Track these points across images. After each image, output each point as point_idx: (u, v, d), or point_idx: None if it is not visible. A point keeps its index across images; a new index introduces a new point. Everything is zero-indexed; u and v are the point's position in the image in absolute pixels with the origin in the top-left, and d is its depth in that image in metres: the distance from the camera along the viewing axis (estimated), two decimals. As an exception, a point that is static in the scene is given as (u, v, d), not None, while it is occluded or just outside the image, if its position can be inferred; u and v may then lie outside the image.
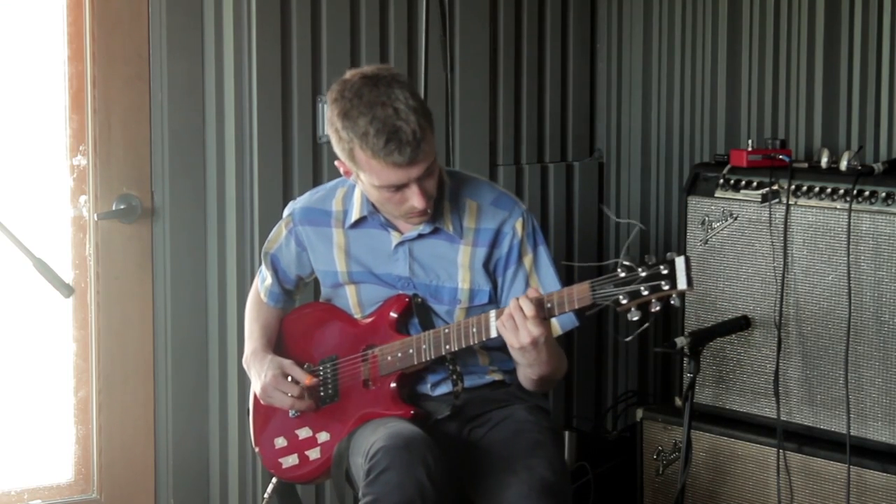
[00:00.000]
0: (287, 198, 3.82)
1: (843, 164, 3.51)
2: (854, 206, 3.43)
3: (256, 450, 3.19)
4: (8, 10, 3.58)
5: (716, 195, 3.70)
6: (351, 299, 3.08)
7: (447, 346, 2.89)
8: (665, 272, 2.65)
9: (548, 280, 2.99)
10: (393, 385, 2.96)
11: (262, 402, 3.10)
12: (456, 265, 2.98)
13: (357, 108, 2.79)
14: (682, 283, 2.64)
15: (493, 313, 2.83)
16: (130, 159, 3.73)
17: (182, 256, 3.80)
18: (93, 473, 3.78)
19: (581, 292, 2.73)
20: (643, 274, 2.66)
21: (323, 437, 3.05)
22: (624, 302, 2.67)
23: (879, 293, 3.42)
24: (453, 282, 2.98)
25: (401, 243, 2.99)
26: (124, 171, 3.72)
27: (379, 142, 2.75)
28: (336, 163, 2.92)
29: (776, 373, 3.57)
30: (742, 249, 3.66)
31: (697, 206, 3.74)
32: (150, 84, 3.73)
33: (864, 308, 3.44)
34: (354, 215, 3.02)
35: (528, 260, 2.99)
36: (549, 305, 2.75)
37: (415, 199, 2.83)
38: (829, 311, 3.50)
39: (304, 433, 3.08)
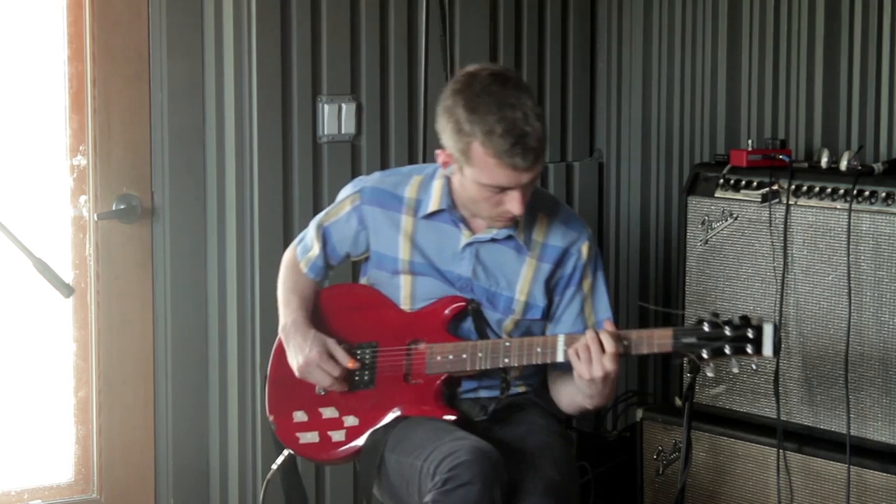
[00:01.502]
0: (287, 198, 3.83)
1: (843, 164, 3.51)
2: (854, 206, 3.43)
3: (270, 418, 3.10)
4: (8, 10, 3.57)
5: (716, 195, 3.70)
6: (404, 289, 3.03)
7: (506, 360, 2.89)
8: (751, 336, 2.71)
9: (601, 307, 3.01)
10: (438, 384, 2.95)
11: (297, 375, 3.02)
12: (518, 275, 2.97)
13: (486, 105, 2.77)
14: (767, 350, 2.71)
15: (561, 337, 2.84)
16: (130, 159, 3.73)
17: (182, 256, 3.80)
18: (93, 473, 3.78)
19: (662, 337, 2.76)
20: (729, 333, 2.72)
21: (350, 420, 3.01)
22: (705, 357, 2.72)
23: (879, 293, 3.42)
24: (511, 291, 2.97)
25: (470, 244, 2.97)
26: (124, 171, 3.72)
27: (504, 143, 2.74)
28: (438, 151, 2.88)
29: (776, 373, 3.57)
30: (742, 249, 3.66)
31: (697, 206, 3.74)
32: (150, 84, 3.73)
33: (864, 308, 3.44)
34: (431, 207, 2.99)
35: (587, 284, 3.00)
36: (626, 343, 2.77)
37: (513, 204, 2.82)
38: (829, 311, 3.51)
39: (328, 413, 3.03)
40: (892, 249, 3.39)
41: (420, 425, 2.92)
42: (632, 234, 4.44)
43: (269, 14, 3.76)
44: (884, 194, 3.40)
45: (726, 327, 2.72)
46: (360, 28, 3.94)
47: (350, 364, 2.98)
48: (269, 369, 3.14)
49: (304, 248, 3.15)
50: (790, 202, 3.55)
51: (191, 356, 3.84)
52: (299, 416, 3.06)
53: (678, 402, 3.71)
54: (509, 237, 2.96)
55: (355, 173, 3.95)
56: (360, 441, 2.99)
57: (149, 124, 3.74)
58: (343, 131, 3.92)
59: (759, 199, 3.60)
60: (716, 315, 2.75)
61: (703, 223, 3.73)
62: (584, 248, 2.99)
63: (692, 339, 2.74)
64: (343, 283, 3.20)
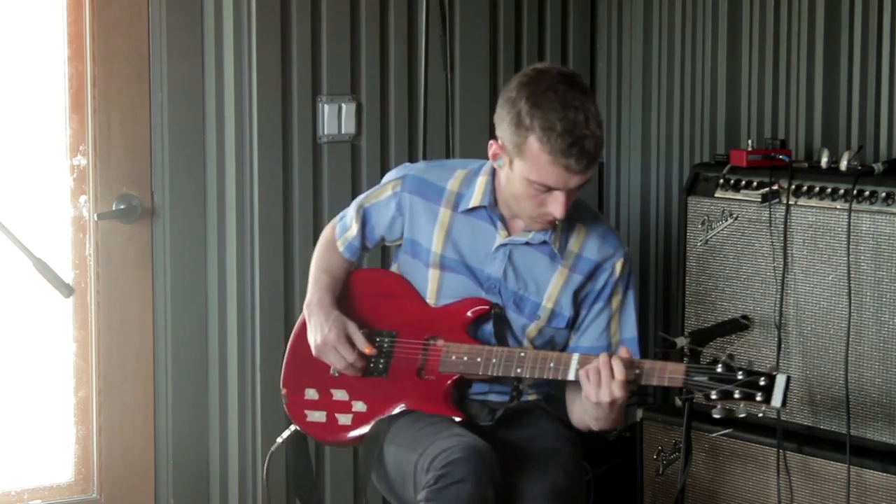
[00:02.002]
0: (287, 198, 3.83)
1: (843, 164, 3.51)
2: (854, 206, 3.43)
3: (283, 391, 3.13)
4: (8, 10, 3.57)
5: (716, 195, 3.70)
6: (431, 283, 3.02)
7: (518, 370, 2.88)
8: (763, 384, 2.70)
9: (627, 326, 2.99)
10: (449, 384, 2.95)
11: (314, 353, 3.04)
12: (549, 282, 2.96)
13: (551, 101, 2.76)
14: (776, 401, 2.71)
15: (575, 357, 2.83)
16: (130, 159, 3.73)
17: (182, 256, 3.80)
18: (93, 473, 3.78)
19: (674, 371, 2.76)
20: (741, 378, 2.71)
21: (359, 406, 3.02)
22: (714, 398, 2.72)
23: (879, 293, 3.42)
24: (539, 297, 2.96)
25: (504, 244, 2.97)
26: (124, 171, 3.72)
27: (562, 142, 2.74)
28: (491, 142, 2.88)
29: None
30: (742, 249, 3.66)
31: (697, 206, 3.74)
32: (150, 84, 3.73)
33: (864, 308, 3.44)
34: (473, 202, 2.98)
35: (616, 301, 2.98)
36: (637, 371, 2.77)
37: (556, 206, 2.82)
38: (829, 311, 3.50)
39: (339, 395, 3.05)
40: (892, 249, 3.39)
41: (422, 420, 2.93)
42: (632, 234, 4.44)
43: (269, 14, 3.76)
44: (884, 194, 3.40)
45: (739, 372, 2.71)
46: (360, 28, 3.94)
47: (367, 350, 3.00)
48: (289, 343, 3.16)
49: (343, 227, 3.17)
50: (790, 202, 3.55)
51: (191, 356, 3.84)
52: (311, 393, 3.08)
53: (678, 402, 3.71)
54: (544, 243, 2.95)
55: (355, 173, 3.96)
56: (365, 428, 3.00)
57: (149, 124, 3.74)
58: (343, 131, 3.92)
59: (759, 199, 3.60)
60: (731, 358, 2.75)
61: (703, 223, 3.73)
62: (619, 265, 2.97)
63: (703, 378, 2.74)
64: (376, 269, 3.21)
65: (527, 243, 2.96)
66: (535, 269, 2.97)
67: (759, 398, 2.70)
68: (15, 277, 3.54)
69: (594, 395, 2.75)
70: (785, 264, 3.56)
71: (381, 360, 3.02)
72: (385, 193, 3.10)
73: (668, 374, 2.76)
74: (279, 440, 3.22)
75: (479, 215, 2.99)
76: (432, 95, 3.78)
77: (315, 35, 3.86)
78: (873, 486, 3.41)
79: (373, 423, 2.99)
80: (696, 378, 2.75)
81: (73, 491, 3.77)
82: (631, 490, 3.88)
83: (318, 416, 3.07)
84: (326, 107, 3.88)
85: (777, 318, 3.57)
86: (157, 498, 3.85)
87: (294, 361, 3.14)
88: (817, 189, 3.52)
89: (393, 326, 3.05)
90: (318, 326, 3.02)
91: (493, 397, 3.01)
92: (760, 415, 2.73)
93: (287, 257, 3.84)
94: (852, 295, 3.44)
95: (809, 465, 3.53)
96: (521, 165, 2.81)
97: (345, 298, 3.12)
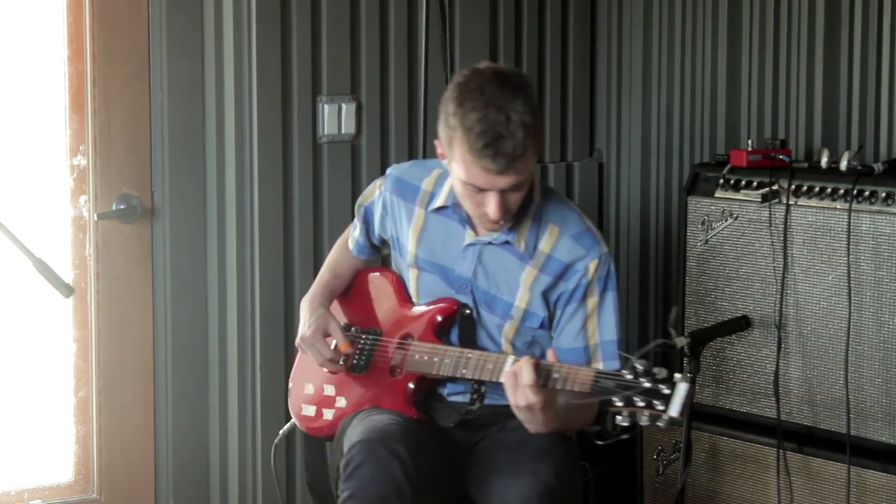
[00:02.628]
0: (287, 198, 3.83)
1: (843, 164, 3.51)
2: (854, 206, 3.43)
3: (290, 385, 3.22)
4: (8, 10, 3.57)
5: (716, 195, 3.70)
6: (412, 283, 3.08)
7: (464, 371, 2.89)
8: (665, 392, 2.58)
9: (606, 329, 2.94)
10: (411, 385, 2.98)
11: (297, 347, 3.14)
12: (518, 282, 2.95)
13: (473, 101, 2.76)
14: (674, 410, 2.56)
15: (510, 359, 2.82)
16: (130, 159, 3.73)
17: (182, 256, 3.80)
18: (93, 473, 3.78)
19: (584, 377, 2.69)
20: (645, 385, 2.60)
21: (341, 401, 3.09)
22: (618, 404, 2.62)
23: (879, 293, 3.42)
24: (511, 297, 2.96)
25: (472, 244, 2.98)
26: (124, 171, 3.72)
27: (478, 142, 2.73)
28: (436, 142, 2.90)
29: (776, 373, 3.57)
30: (742, 249, 3.66)
31: (697, 206, 3.74)
32: (150, 84, 3.73)
33: (864, 308, 3.44)
34: (439, 201, 3.01)
35: (591, 302, 2.95)
36: (555, 376, 2.72)
37: (491, 207, 2.81)
38: (829, 311, 3.51)
39: (329, 390, 3.12)
40: (892, 249, 3.39)
41: (368, 415, 2.97)
42: (632, 234, 4.44)
43: (269, 14, 3.76)
44: (884, 194, 3.40)
45: (644, 379, 2.60)
46: (360, 28, 3.94)
47: (343, 347, 3.05)
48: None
49: (354, 226, 3.25)
50: (790, 202, 3.55)
51: (191, 356, 3.84)
52: (308, 388, 3.16)
53: (661, 426, 3.70)
54: (506, 243, 2.95)
55: (355, 173, 3.96)
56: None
57: (149, 124, 3.74)
58: (343, 131, 3.92)
59: (759, 199, 3.60)
60: (643, 364, 2.62)
61: (703, 223, 3.73)
62: (592, 266, 2.93)
63: (610, 385, 2.64)
64: (379, 268, 3.24)
65: (490, 243, 2.96)
66: (505, 269, 2.97)
67: (659, 406, 2.57)
68: (15, 277, 3.54)
69: (511, 398, 2.73)
70: (785, 264, 3.56)
71: (364, 357, 3.08)
72: (374, 193, 3.17)
73: (580, 378, 2.69)
74: (281, 433, 3.33)
75: (448, 215, 3.01)
76: (432, 95, 3.78)
77: (315, 35, 3.86)
78: (873, 486, 3.41)
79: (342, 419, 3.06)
80: (603, 384, 2.65)
81: (73, 491, 3.77)
82: (631, 490, 3.88)
83: (309, 410, 3.15)
84: (326, 107, 3.88)
85: (777, 318, 3.57)
86: (157, 498, 3.85)
87: (303, 357, 3.21)
88: (817, 189, 3.52)
89: (378, 325, 3.11)
90: (303, 322, 3.11)
91: (459, 399, 3.02)
92: (660, 424, 2.57)
93: (287, 257, 3.84)
94: (852, 295, 3.44)
95: (809, 465, 3.53)
96: (455, 166, 2.82)
97: (348, 295, 3.21)
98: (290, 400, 3.21)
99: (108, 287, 3.72)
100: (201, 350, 3.85)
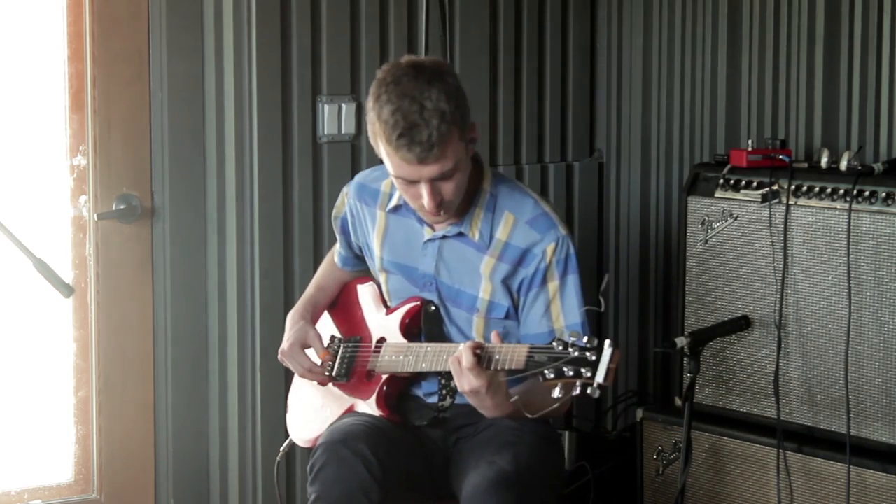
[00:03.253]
0: (287, 198, 3.83)
1: (843, 164, 3.51)
2: (854, 206, 3.43)
3: (288, 406, 3.28)
4: (8, 10, 3.57)
5: (716, 195, 3.70)
6: (383, 287, 3.10)
7: (423, 365, 2.90)
8: (592, 359, 2.55)
9: (570, 312, 2.92)
10: (384, 387, 3.00)
11: (280, 362, 3.16)
12: (479, 274, 2.95)
13: (388, 95, 2.77)
14: (599, 376, 2.54)
15: (461, 346, 2.77)
16: (130, 159, 3.73)
17: (182, 256, 3.80)
18: (93, 473, 3.78)
19: (519, 354, 2.66)
20: (573, 355, 2.56)
21: (326, 412, 3.10)
22: (550, 377, 2.58)
23: (879, 293, 3.42)
24: (475, 290, 2.96)
25: (431, 240, 2.98)
26: (124, 171, 3.72)
27: (393, 134, 2.74)
28: (372, 141, 2.91)
29: (776, 373, 3.57)
30: (742, 249, 3.66)
31: (697, 206, 3.74)
32: (150, 84, 3.73)
33: (864, 308, 3.44)
34: (395, 200, 3.03)
35: (552, 286, 2.92)
36: (497, 357, 2.69)
37: (424, 198, 2.82)
38: (829, 311, 3.50)
39: (316, 401, 3.15)
40: (892, 249, 3.39)
41: (344, 420, 2.99)
42: (632, 234, 4.44)
43: (269, 14, 3.76)
44: (884, 194, 3.40)
45: (572, 349, 2.57)
46: (360, 28, 3.94)
47: (321, 356, 3.08)
48: None
49: (338, 241, 3.28)
50: (790, 202, 3.55)
51: (191, 356, 3.84)
52: (300, 405, 3.22)
53: (678, 402, 3.71)
54: (460, 234, 2.95)
55: (355, 173, 3.93)
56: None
57: (149, 124, 3.74)
58: (343, 131, 3.92)
59: (759, 199, 3.60)
60: (574, 336, 2.59)
61: (703, 223, 3.73)
62: (549, 249, 2.91)
63: (543, 359, 2.61)
64: (364, 277, 3.25)
65: (444, 236, 2.97)
66: (465, 262, 2.97)
67: (586, 374, 2.54)
68: (15, 277, 3.54)
69: (458, 384, 2.73)
70: (785, 264, 3.56)
71: (344, 366, 3.09)
72: (344, 203, 3.20)
73: (515, 356, 2.66)
74: (282, 449, 3.35)
75: (405, 214, 3.02)
76: (432, 95, 3.78)
77: (315, 35, 3.86)
78: (873, 486, 3.41)
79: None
80: (535, 358, 2.62)
81: (73, 491, 3.77)
82: (631, 490, 3.88)
83: (299, 423, 3.20)
84: (326, 107, 3.88)
85: (777, 318, 3.57)
86: (157, 498, 3.85)
87: (296, 378, 3.25)
88: (817, 189, 3.52)
89: (358, 332, 3.13)
90: (285, 335, 3.15)
91: (433, 399, 3.03)
92: (590, 392, 2.52)
93: (287, 257, 3.84)
94: (852, 295, 3.44)
95: (809, 465, 3.53)
96: (384, 161, 2.84)
97: (335, 308, 3.26)
98: (286, 416, 3.25)
99: (108, 287, 3.72)
100: (201, 350, 3.85)
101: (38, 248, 2.77)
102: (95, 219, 3.69)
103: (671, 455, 3.77)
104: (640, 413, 3.85)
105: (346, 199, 3.18)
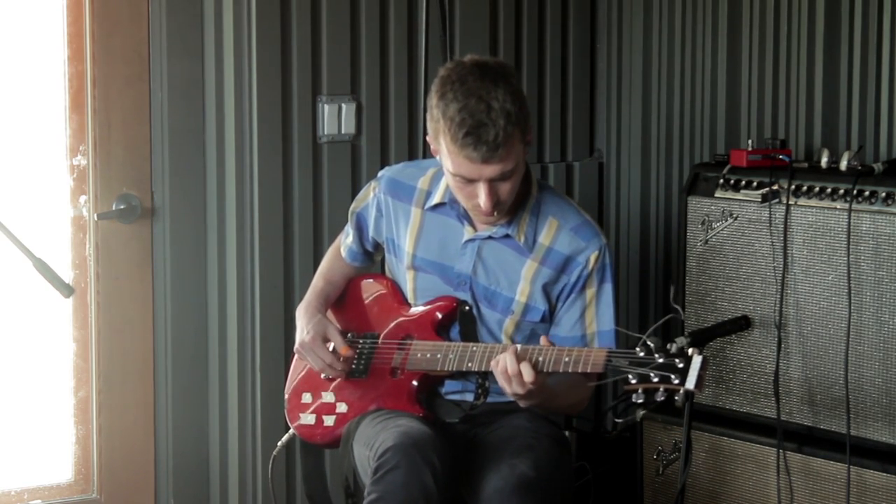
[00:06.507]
0: (287, 198, 3.83)
1: (843, 164, 3.51)
2: (854, 206, 3.43)
3: (286, 396, 3.21)
4: (8, 10, 3.57)
5: (716, 195, 3.70)
6: (409, 284, 3.08)
7: (469, 364, 2.90)
8: (680, 366, 2.60)
9: (604, 319, 2.97)
10: (414, 383, 2.98)
11: (296, 355, 3.14)
12: (519, 276, 2.96)
13: (455, 93, 2.78)
14: (690, 383, 2.59)
15: (517, 348, 2.80)
16: (130, 159, 3.73)
17: (182, 256, 3.80)
18: (93, 473, 3.78)
19: (597, 357, 2.71)
20: (659, 360, 2.62)
21: (342, 407, 3.08)
22: (633, 382, 2.63)
23: (879, 293, 3.42)
24: (512, 292, 2.97)
25: (471, 240, 2.98)
26: (124, 171, 3.72)
27: (460, 132, 2.75)
28: (427, 138, 2.91)
29: (776, 373, 3.57)
30: (742, 249, 3.66)
31: (697, 206, 3.74)
32: (150, 84, 3.73)
33: (864, 308, 3.44)
34: (436, 198, 3.02)
35: (590, 293, 2.97)
36: (566, 360, 2.72)
37: (481, 198, 2.82)
38: (829, 311, 3.50)
39: (327, 397, 3.12)
40: (892, 249, 3.39)
41: (382, 417, 2.97)
42: (632, 234, 4.44)
43: (269, 14, 3.76)
44: (884, 194, 3.40)
45: (658, 355, 2.62)
46: (360, 28, 3.94)
47: (343, 351, 3.05)
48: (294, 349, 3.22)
49: (346, 234, 3.25)
50: (790, 202, 3.55)
51: (191, 356, 3.84)
52: (306, 397, 3.15)
53: (678, 401, 3.70)
54: (507, 236, 2.96)
55: (355, 173, 3.96)
56: (342, 429, 3.06)
57: (149, 124, 3.74)
58: (343, 131, 3.92)
59: (759, 199, 3.60)
60: (656, 340, 2.64)
61: (703, 223, 3.73)
62: (592, 257, 2.96)
63: (623, 363, 2.65)
64: (372, 273, 3.25)
65: (490, 237, 2.97)
66: (505, 264, 2.98)
67: (675, 380, 2.59)
68: (15, 277, 3.54)
69: (506, 388, 2.76)
70: (785, 264, 3.56)
71: (363, 362, 3.08)
72: (368, 196, 3.17)
73: (592, 359, 2.70)
74: (280, 444, 3.32)
75: (445, 212, 3.01)
76: (432, 95, 3.78)
77: (315, 35, 3.86)
78: (873, 486, 3.41)
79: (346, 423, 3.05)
80: (616, 363, 2.67)
81: (73, 491, 3.77)
82: (631, 490, 3.88)
83: (308, 419, 3.14)
84: (326, 107, 3.88)
85: (777, 318, 3.57)
86: (157, 498, 3.85)
87: (297, 366, 3.22)
88: (817, 189, 3.52)
89: (377, 328, 3.11)
90: (300, 329, 3.10)
91: (467, 396, 3.02)
92: (678, 399, 2.59)
93: (287, 257, 3.84)
94: (852, 295, 3.44)
95: (809, 465, 3.53)
96: (444, 159, 2.85)
97: (343, 304, 3.22)
98: (286, 411, 3.20)
99: (108, 287, 3.72)
100: (201, 350, 3.85)
101: (38, 248, 2.77)
102: (95, 219, 3.69)
103: (671, 455, 3.77)
104: (640, 413, 3.85)
105: (373, 193, 3.14)
